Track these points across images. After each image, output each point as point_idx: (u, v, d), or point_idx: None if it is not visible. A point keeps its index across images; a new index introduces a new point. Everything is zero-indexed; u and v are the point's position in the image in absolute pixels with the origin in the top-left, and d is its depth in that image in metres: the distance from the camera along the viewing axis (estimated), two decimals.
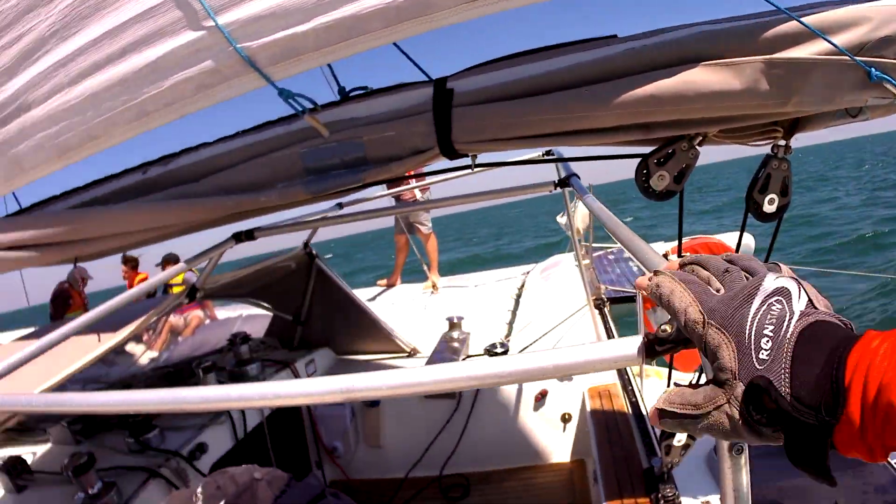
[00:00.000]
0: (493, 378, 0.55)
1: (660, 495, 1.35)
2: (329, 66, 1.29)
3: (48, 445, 2.02)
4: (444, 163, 1.35)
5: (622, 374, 2.17)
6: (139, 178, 1.50)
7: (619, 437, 1.73)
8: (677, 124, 1.08)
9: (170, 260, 6.50)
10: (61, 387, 1.43)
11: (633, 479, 1.49)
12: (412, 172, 1.93)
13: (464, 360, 2.60)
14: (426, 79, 1.28)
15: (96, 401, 0.77)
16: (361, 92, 1.29)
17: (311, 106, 1.22)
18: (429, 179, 2.66)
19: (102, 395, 0.77)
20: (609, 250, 6.50)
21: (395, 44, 1.28)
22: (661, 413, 0.49)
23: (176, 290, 5.03)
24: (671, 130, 1.10)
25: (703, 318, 0.46)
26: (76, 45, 1.37)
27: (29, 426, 2.20)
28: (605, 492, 1.49)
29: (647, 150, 1.17)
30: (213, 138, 1.54)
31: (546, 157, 1.76)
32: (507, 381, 0.56)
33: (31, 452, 1.98)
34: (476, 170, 1.42)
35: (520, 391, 2.40)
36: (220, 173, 1.40)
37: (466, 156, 1.27)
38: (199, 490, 1.00)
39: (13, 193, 1.54)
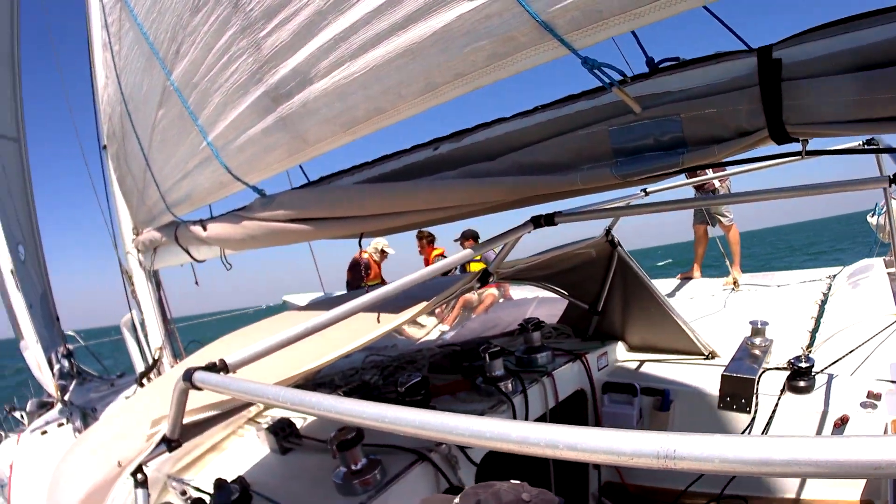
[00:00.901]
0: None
1: None
2: (634, 33, 1.11)
3: None
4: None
5: None
6: (430, 155, 1.47)
7: None
8: None
9: (469, 236, 6.33)
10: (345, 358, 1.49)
11: None
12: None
13: (763, 371, 2.37)
14: (745, 48, 1.08)
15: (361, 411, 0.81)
16: (674, 63, 1.12)
17: (619, 78, 1.07)
18: (730, 169, 2.39)
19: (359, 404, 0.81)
20: None
21: (705, 7, 1.09)
22: None
23: (474, 267, 5.06)
24: None
25: None
26: (356, 16, 1.35)
27: (306, 389, 2.34)
28: None
29: None
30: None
31: (873, 147, 1.40)
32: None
33: (302, 417, 2.07)
34: (805, 157, 1.19)
35: (823, 414, 2.12)
36: (518, 151, 1.31)
37: (796, 141, 1.08)
38: (457, 501, 0.94)
39: (300, 166, 1.64)
